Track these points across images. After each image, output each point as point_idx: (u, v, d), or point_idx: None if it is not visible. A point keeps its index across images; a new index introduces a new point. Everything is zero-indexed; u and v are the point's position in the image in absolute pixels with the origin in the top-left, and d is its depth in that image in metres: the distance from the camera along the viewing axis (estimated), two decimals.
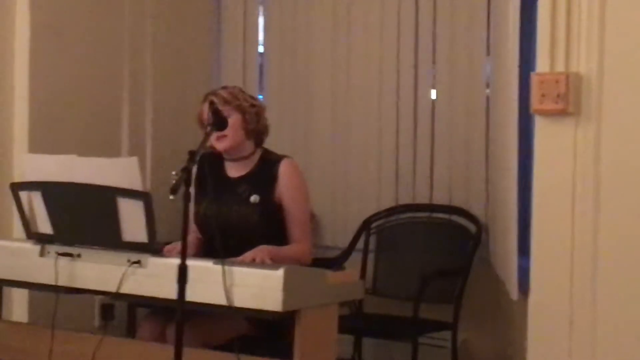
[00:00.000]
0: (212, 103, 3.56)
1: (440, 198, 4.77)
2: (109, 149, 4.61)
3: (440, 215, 4.74)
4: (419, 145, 4.84)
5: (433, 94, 4.84)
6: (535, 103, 3.25)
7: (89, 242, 3.41)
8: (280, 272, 3.05)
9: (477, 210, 4.65)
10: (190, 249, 3.34)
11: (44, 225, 3.49)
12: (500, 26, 4.21)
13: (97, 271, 3.36)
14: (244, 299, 3.09)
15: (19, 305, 4.29)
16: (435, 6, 4.78)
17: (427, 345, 4.51)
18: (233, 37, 5.33)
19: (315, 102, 5.09)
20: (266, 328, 3.49)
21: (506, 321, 4.40)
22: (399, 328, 4.42)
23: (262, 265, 3.29)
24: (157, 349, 3.37)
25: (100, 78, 4.66)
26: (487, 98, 4.67)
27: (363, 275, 4.69)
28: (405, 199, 4.85)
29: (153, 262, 3.27)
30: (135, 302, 3.99)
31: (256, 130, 3.70)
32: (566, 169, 3.23)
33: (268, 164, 3.67)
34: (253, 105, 3.71)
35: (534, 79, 3.26)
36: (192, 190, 3.26)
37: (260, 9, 5.28)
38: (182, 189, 2.95)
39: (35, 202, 3.50)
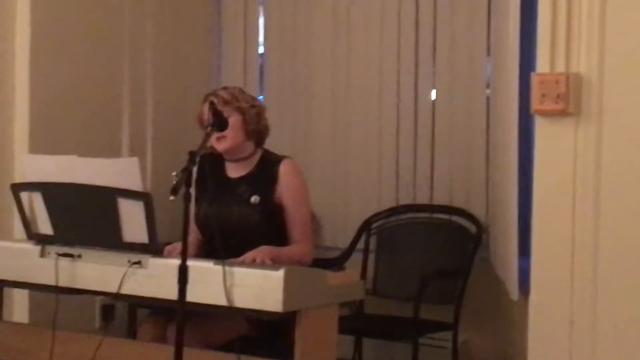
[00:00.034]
0: (212, 103, 3.56)
1: (440, 198, 4.77)
2: (110, 150, 4.61)
3: (441, 215, 4.73)
4: (419, 146, 4.84)
5: (433, 94, 4.84)
6: (535, 103, 3.25)
7: (89, 242, 3.41)
8: (280, 273, 3.05)
9: (477, 210, 4.65)
10: (191, 250, 3.34)
11: (45, 226, 3.49)
12: (501, 26, 4.21)
13: (98, 272, 3.36)
14: (244, 300, 3.09)
15: (19, 305, 4.29)
16: (436, 6, 4.78)
17: (427, 346, 4.51)
18: (233, 38, 5.33)
19: (316, 102, 5.09)
20: (266, 328, 3.49)
21: (506, 322, 4.40)
22: (399, 328, 4.42)
23: (263, 265, 3.29)
24: (158, 349, 3.37)
25: (101, 78, 4.66)
26: (488, 98, 4.67)
27: (363, 275, 4.69)
28: (405, 200, 4.85)
29: (153, 263, 3.27)
30: (136, 303, 3.99)
31: (256, 130, 3.70)
32: (566, 170, 3.23)
33: (268, 165, 3.67)
34: (253, 106, 3.70)
35: (534, 79, 3.26)
36: (192, 190, 3.26)
37: (261, 10, 5.28)
38: (182, 190, 2.95)
39: (36, 203, 3.50)
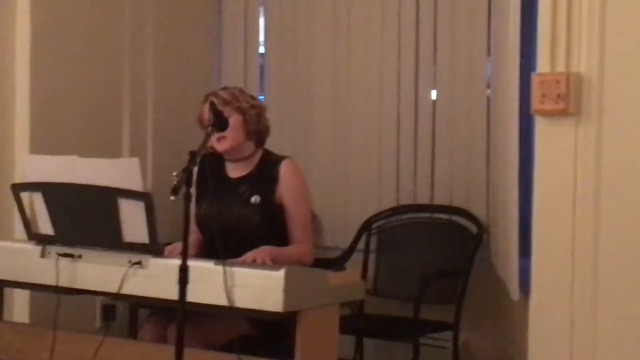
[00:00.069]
0: (212, 104, 3.56)
1: (441, 198, 4.77)
2: (110, 150, 4.61)
3: (441, 215, 4.73)
4: (419, 146, 4.84)
5: (433, 94, 4.84)
6: (535, 103, 3.25)
7: (90, 242, 3.41)
8: (281, 273, 3.05)
9: (477, 210, 4.65)
10: (191, 250, 3.34)
11: (45, 226, 3.49)
12: (501, 26, 4.21)
13: (98, 272, 3.36)
14: (244, 300, 3.09)
15: (20, 306, 4.29)
16: (436, 6, 4.78)
17: (428, 346, 4.51)
18: (234, 38, 5.33)
19: (316, 102, 5.09)
20: (267, 328, 3.49)
21: (507, 321, 4.40)
22: (400, 328, 4.42)
23: (263, 266, 3.29)
24: (158, 349, 3.37)
25: (101, 78, 4.66)
26: (488, 98, 4.67)
27: (364, 275, 4.69)
28: (406, 200, 4.85)
29: (154, 263, 3.27)
30: (137, 303, 4.00)
31: (257, 130, 3.70)
32: (567, 170, 3.23)
33: (269, 165, 3.67)
34: (253, 106, 3.70)
35: (535, 79, 3.25)
36: (192, 190, 3.26)
37: (261, 10, 5.28)
38: (183, 190, 2.95)
39: (36, 203, 3.50)
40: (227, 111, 3.56)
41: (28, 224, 3.57)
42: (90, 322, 4.43)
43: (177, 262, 2.98)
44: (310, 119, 5.11)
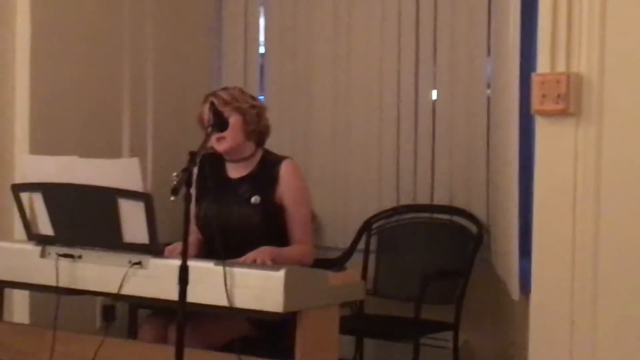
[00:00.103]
0: (212, 104, 3.56)
1: (441, 199, 4.77)
2: (110, 150, 4.61)
3: (441, 215, 4.73)
4: (419, 146, 4.83)
5: (434, 95, 4.84)
6: (536, 103, 3.25)
7: (89, 243, 3.41)
8: (281, 273, 3.05)
9: (478, 210, 4.64)
10: (191, 250, 3.34)
11: (45, 227, 3.49)
12: (501, 26, 4.21)
13: (98, 272, 3.36)
14: (245, 300, 3.09)
15: (20, 306, 4.28)
16: (436, 6, 4.78)
17: (428, 346, 4.51)
18: (234, 38, 5.33)
19: (316, 102, 5.09)
20: (267, 329, 3.49)
21: (507, 322, 4.40)
22: (400, 329, 4.42)
23: (263, 266, 3.29)
24: (159, 350, 3.37)
25: (101, 78, 4.66)
26: (488, 98, 4.67)
27: (364, 276, 4.69)
28: (406, 200, 4.85)
29: (154, 263, 3.27)
30: (137, 303, 3.99)
31: (257, 131, 3.70)
32: (567, 170, 3.23)
33: (269, 165, 3.67)
34: (253, 106, 3.70)
35: (535, 80, 3.25)
36: (192, 191, 3.26)
37: (261, 10, 5.28)
38: (183, 190, 2.95)
39: (36, 204, 3.50)
40: (227, 111, 3.56)
41: (28, 225, 3.57)
42: (90, 323, 4.43)
43: (177, 262, 2.98)
44: (310, 119, 5.10)
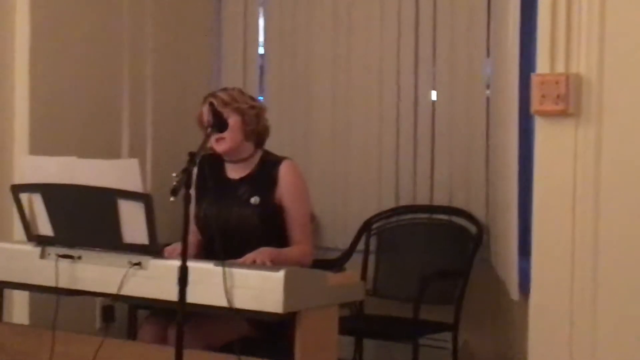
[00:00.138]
0: (211, 105, 3.56)
1: (440, 199, 4.77)
2: (109, 150, 4.61)
3: (441, 216, 4.73)
4: (419, 146, 4.83)
5: (433, 95, 4.84)
6: (535, 104, 3.25)
7: (89, 244, 3.41)
8: (280, 274, 3.05)
9: (477, 211, 4.64)
10: (191, 251, 3.34)
11: (45, 227, 3.49)
12: (501, 27, 4.21)
13: (98, 273, 3.36)
14: (244, 301, 3.09)
15: (19, 307, 4.28)
16: (435, 7, 4.78)
17: (427, 347, 4.51)
18: (233, 39, 5.33)
19: (316, 103, 5.09)
20: (267, 329, 3.49)
21: (507, 322, 4.40)
22: (399, 329, 4.42)
23: (263, 266, 3.29)
24: (158, 350, 3.37)
25: (101, 79, 4.66)
26: (487, 99, 4.67)
27: (363, 276, 4.69)
28: (405, 200, 4.85)
29: (154, 264, 3.27)
30: (136, 304, 3.99)
31: (256, 131, 3.70)
32: (566, 170, 3.23)
33: (268, 166, 3.67)
34: (252, 107, 3.70)
35: (534, 80, 3.26)
36: (192, 191, 3.26)
37: (261, 11, 5.28)
38: (182, 191, 2.95)
39: (36, 204, 3.50)
40: (226, 112, 3.56)
41: (27, 225, 3.57)
42: (89, 323, 4.43)
43: (176, 263, 2.98)
44: (310, 120, 5.10)
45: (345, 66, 5.00)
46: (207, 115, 3.51)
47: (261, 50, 5.29)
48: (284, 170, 3.64)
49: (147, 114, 4.89)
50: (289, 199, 3.62)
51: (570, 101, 3.19)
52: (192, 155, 3.06)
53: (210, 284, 3.11)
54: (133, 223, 3.27)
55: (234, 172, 3.72)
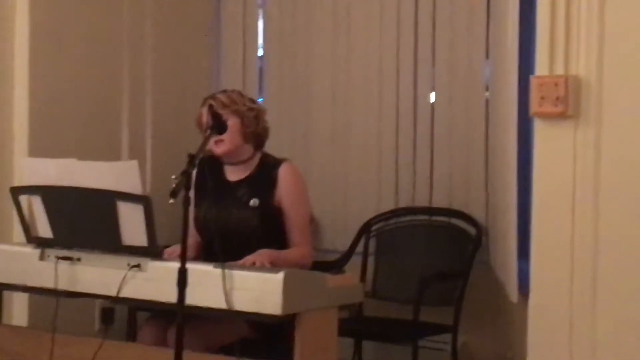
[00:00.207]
0: (211, 107, 3.56)
1: (440, 201, 4.77)
2: (109, 151, 4.61)
3: (440, 218, 4.73)
4: (418, 148, 4.83)
5: (432, 97, 4.84)
6: (534, 106, 3.26)
7: (88, 245, 3.41)
8: (279, 276, 3.05)
9: (477, 213, 4.64)
10: (190, 252, 3.34)
11: (44, 229, 3.49)
12: (500, 29, 4.22)
13: (97, 275, 3.36)
14: (243, 303, 3.09)
15: (19, 309, 4.28)
16: (435, 9, 4.78)
17: (427, 348, 4.51)
18: (233, 40, 5.33)
19: (315, 105, 5.09)
20: (266, 331, 3.49)
21: (506, 324, 4.40)
22: (399, 331, 4.42)
23: (262, 268, 3.29)
24: (158, 352, 3.37)
25: (100, 79, 4.66)
26: (487, 101, 4.67)
27: (363, 278, 4.69)
28: (405, 202, 4.85)
29: (153, 266, 3.27)
30: (136, 306, 3.99)
31: (255, 133, 3.70)
32: (566, 172, 3.23)
33: (267, 168, 3.67)
34: (252, 109, 3.70)
35: (533, 82, 3.26)
36: (191, 193, 3.26)
37: (260, 13, 5.28)
38: (181, 193, 2.95)
39: (35, 206, 3.50)
40: (225, 114, 3.56)
41: (27, 227, 3.56)
42: (89, 325, 4.43)
43: (176, 265, 2.98)
44: (309, 122, 5.10)
45: (344, 67, 5.00)
46: (206, 118, 3.51)
47: (260, 52, 5.29)
48: (283, 172, 3.64)
49: (146, 115, 4.89)
50: (288, 200, 3.63)
51: (569, 103, 3.19)
52: (191, 157, 3.06)
53: (210, 285, 3.11)
54: (132, 225, 3.27)
55: (233, 174, 3.72)
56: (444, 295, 4.46)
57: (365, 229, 4.82)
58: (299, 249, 3.61)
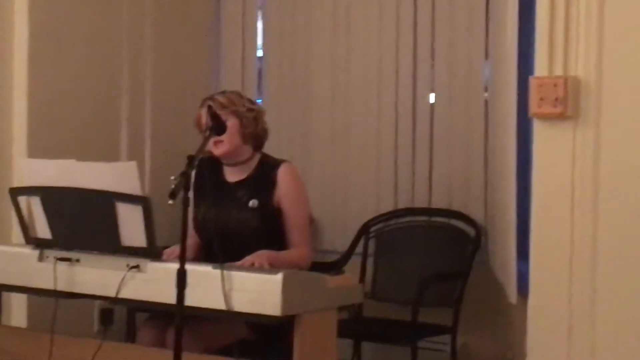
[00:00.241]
0: (210, 108, 3.56)
1: (439, 202, 4.77)
2: (108, 152, 4.61)
3: (440, 219, 4.73)
4: (418, 149, 4.83)
5: (432, 98, 4.84)
6: (533, 107, 3.26)
7: (87, 246, 3.40)
8: (279, 277, 3.05)
9: (476, 214, 4.64)
10: (189, 253, 3.34)
11: (43, 230, 3.49)
12: (499, 29, 4.22)
13: (96, 276, 3.36)
14: (243, 304, 3.08)
15: (18, 310, 4.28)
16: (434, 9, 4.78)
17: (426, 349, 4.50)
18: (232, 41, 5.33)
19: (314, 106, 5.09)
20: (265, 332, 3.49)
21: (505, 325, 4.40)
22: (398, 332, 4.42)
23: (261, 269, 3.29)
24: (157, 353, 3.37)
25: (100, 80, 4.65)
26: (486, 102, 4.67)
27: (362, 279, 4.69)
28: (404, 203, 4.85)
29: (152, 267, 3.27)
30: (135, 307, 3.99)
31: (254, 134, 3.70)
32: (565, 173, 3.23)
33: (267, 169, 3.67)
34: (251, 110, 3.70)
35: (533, 83, 3.26)
36: (190, 194, 3.25)
37: (259, 13, 5.28)
38: (181, 194, 2.95)
39: (34, 207, 3.49)
40: (223, 115, 3.56)
41: (26, 228, 3.56)
42: (88, 326, 4.43)
43: (175, 266, 2.98)
44: (309, 123, 5.10)
45: (344, 68, 5.00)
46: (205, 118, 3.51)
47: (260, 53, 5.29)
48: (282, 173, 3.64)
49: (146, 116, 4.89)
50: (288, 201, 3.62)
51: (568, 104, 3.19)
52: (190, 158, 3.06)
53: (209, 286, 3.11)
54: (131, 226, 3.27)
55: (233, 175, 3.72)
56: (443, 296, 4.46)
57: (364, 230, 4.82)
58: (298, 250, 3.61)
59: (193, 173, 3.38)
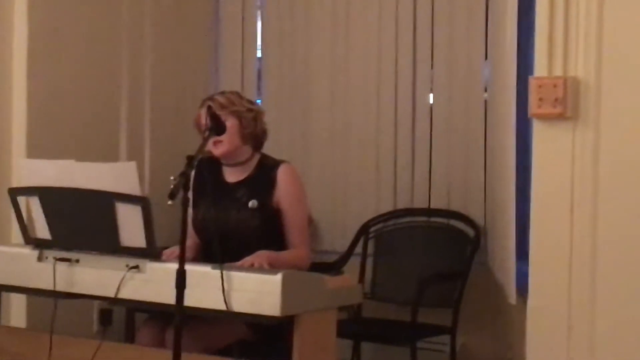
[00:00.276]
0: (209, 108, 3.56)
1: (438, 202, 4.77)
2: (108, 152, 4.61)
3: (439, 219, 4.73)
4: (417, 149, 4.84)
5: (431, 98, 4.84)
6: (533, 107, 3.26)
7: (87, 247, 3.40)
8: (278, 277, 3.05)
9: (475, 214, 4.65)
10: (189, 254, 3.34)
11: (42, 231, 3.48)
12: (498, 30, 4.22)
13: (96, 276, 3.36)
14: (242, 304, 3.08)
15: (17, 310, 4.28)
16: (434, 10, 4.79)
17: (425, 350, 4.51)
18: (231, 42, 5.33)
19: (314, 106, 5.09)
20: (265, 333, 3.49)
21: (505, 325, 4.40)
22: (397, 332, 4.42)
23: (261, 270, 3.29)
24: (156, 354, 3.36)
25: (99, 80, 4.65)
26: (485, 102, 4.67)
27: (361, 279, 4.69)
28: (403, 203, 4.85)
29: (151, 267, 3.27)
30: (134, 307, 3.99)
31: (253, 134, 3.70)
32: (564, 173, 3.23)
33: (266, 169, 3.67)
34: (250, 110, 3.70)
35: (532, 83, 3.26)
36: (190, 195, 3.25)
37: (259, 14, 5.28)
38: (180, 194, 2.94)
39: (34, 207, 3.49)
40: (223, 115, 3.56)
41: (25, 229, 3.56)
42: (87, 327, 4.43)
43: (174, 266, 2.98)
44: (308, 123, 5.10)
45: (343, 68, 5.00)
46: (204, 119, 3.51)
47: (259, 54, 5.29)
48: (281, 174, 3.64)
49: (145, 116, 4.89)
50: (287, 202, 3.62)
51: (568, 104, 3.19)
52: (190, 158, 3.06)
53: (208, 287, 3.11)
54: (131, 226, 3.27)
55: (232, 175, 3.71)
56: (442, 296, 4.46)
57: (363, 230, 4.82)
58: (297, 250, 3.61)
59: (192, 173, 3.38)
